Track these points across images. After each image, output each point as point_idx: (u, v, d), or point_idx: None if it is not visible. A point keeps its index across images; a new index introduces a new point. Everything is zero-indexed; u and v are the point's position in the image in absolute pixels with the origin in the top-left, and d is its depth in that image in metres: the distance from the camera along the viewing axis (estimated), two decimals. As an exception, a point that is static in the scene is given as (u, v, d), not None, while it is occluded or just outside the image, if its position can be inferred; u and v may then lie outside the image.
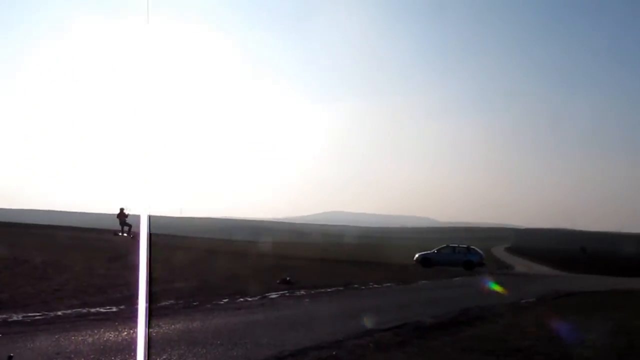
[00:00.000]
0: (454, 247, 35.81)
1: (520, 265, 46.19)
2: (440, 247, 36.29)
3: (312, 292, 16.92)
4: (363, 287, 19.45)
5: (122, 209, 34.71)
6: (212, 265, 25.14)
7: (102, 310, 11.29)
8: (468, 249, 35.16)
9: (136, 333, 8.79)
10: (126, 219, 34.94)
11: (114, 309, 11.46)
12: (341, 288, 18.61)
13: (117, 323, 9.84)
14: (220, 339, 8.87)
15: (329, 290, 17.76)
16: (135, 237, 32.92)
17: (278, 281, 18.69)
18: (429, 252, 35.72)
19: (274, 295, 15.39)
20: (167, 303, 12.68)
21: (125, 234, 34.45)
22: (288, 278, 19.20)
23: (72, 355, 7.28)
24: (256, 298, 14.64)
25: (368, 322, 10.90)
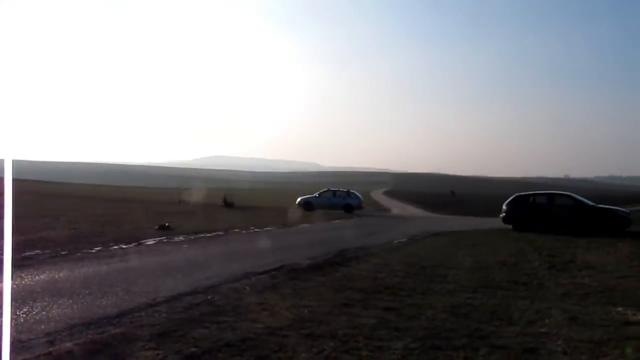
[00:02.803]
0: (334, 191, 36.85)
1: (396, 207, 48.72)
2: (321, 191, 37.16)
3: (192, 237, 16.70)
4: (244, 232, 19.51)
5: None
6: (85, 212, 23.93)
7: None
8: (348, 192, 36.34)
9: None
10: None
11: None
12: (221, 233, 18.54)
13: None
14: (89, 288, 8.51)
15: (208, 235, 17.61)
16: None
17: (156, 227, 18.22)
18: (310, 196, 36.50)
19: (150, 242, 14.99)
20: (32, 253, 11.91)
21: None
22: (167, 224, 18.78)
23: None
24: (131, 245, 14.17)
25: (245, 266, 11.00)
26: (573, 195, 22.40)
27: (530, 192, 23.61)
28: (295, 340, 5.80)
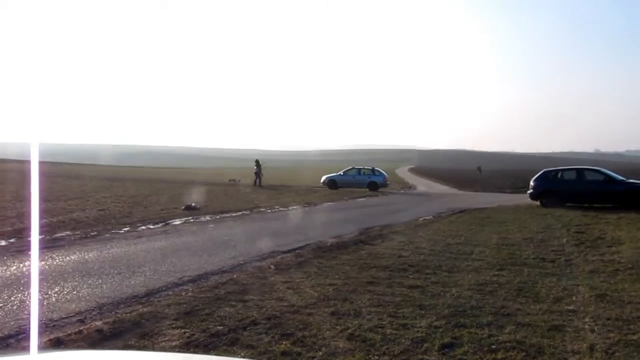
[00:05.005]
0: (359, 169, 36.71)
1: (422, 185, 48.40)
2: (346, 169, 37.08)
3: (218, 217, 16.87)
4: (269, 211, 19.62)
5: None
6: (113, 193, 24.34)
7: (-11, 244, 10.65)
8: (373, 170, 36.15)
9: (26, 267, 8.41)
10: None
11: (3, 243, 10.85)
12: (247, 212, 18.68)
13: (5, 257, 9.35)
14: (117, 268, 8.68)
15: (234, 215, 17.76)
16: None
17: (183, 207, 18.44)
18: (335, 174, 36.44)
19: (177, 222, 15.19)
20: (62, 234, 12.18)
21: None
22: (193, 204, 18.99)
23: (-47, 293, 6.85)
24: (159, 225, 14.39)
25: (270, 245, 11.09)
26: (602, 170, 21.95)
27: (559, 168, 23.21)
28: (320, 318, 5.84)
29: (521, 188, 30.23)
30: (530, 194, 22.01)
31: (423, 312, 6.12)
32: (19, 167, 40.77)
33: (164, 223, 14.82)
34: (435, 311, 6.15)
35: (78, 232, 12.51)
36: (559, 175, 22.01)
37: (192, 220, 15.84)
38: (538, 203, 21.33)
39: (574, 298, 6.76)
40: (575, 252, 10.39)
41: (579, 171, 22.00)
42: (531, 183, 22.14)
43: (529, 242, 11.60)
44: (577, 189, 20.80)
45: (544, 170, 22.69)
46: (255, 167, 36.35)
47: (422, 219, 17.18)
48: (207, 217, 16.57)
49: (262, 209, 19.88)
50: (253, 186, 34.48)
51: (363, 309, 6.19)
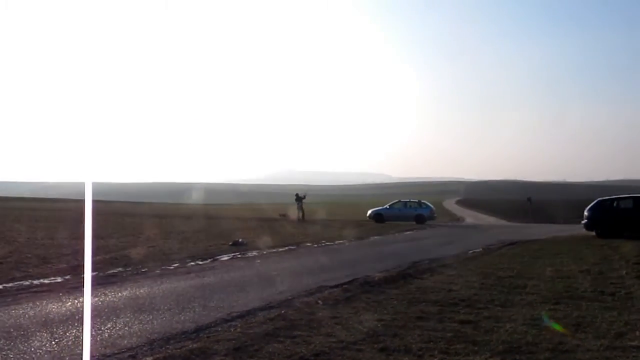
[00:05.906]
0: (405, 202, 36.43)
1: (470, 217, 47.56)
2: (392, 202, 36.84)
3: (264, 252, 16.94)
4: (316, 245, 19.60)
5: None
6: (163, 230, 24.84)
7: (45, 281, 10.99)
8: (419, 203, 35.81)
9: (80, 303, 8.61)
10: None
11: (59, 280, 11.17)
12: (294, 247, 18.71)
13: (61, 294, 9.61)
14: (167, 304, 8.79)
15: (281, 250, 17.82)
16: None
17: (230, 243, 18.63)
18: (381, 207, 36.23)
19: (225, 258, 15.33)
20: (115, 271, 12.45)
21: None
22: (240, 240, 19.16)
23: (12, 330, 7.07)
24: (207, 261, 14.55)
25: (317, 280, 11.04)
26: (662, 198, 21.04)
27: (615, 196, 22.41)
28: (370, 355, 5.73)
29: (574, 218, 29.29)
30: (585, 224, 21.28)
31: (476, 348, 5.93)
32: (75, 206, 42.27)
33: (212, 259, 14.98)
34: (489, 347, 5.94)
35: (129, 269, 12.77)
36: (614, 204, 21.23)
37: (239, 255, 15.96)
38: (593, 234, 20.59)
39: (637, 333, 6.42)
40: (636, 284, 9.91)
41: (636, 199, 21.15)
42: (585, 213, 21.42)
43: (586, 275, 11.16)
44: (635, 218, 19.99)
45: (599, 199, 21.95)
46: (296, 202, 36.62)
47: (471, 251, 16.82)
48: (254, 253, 16.67)
49: (308, 244, 19.88)
50: (297, 220, 34.63)
51: (413, 345, 6.04)
